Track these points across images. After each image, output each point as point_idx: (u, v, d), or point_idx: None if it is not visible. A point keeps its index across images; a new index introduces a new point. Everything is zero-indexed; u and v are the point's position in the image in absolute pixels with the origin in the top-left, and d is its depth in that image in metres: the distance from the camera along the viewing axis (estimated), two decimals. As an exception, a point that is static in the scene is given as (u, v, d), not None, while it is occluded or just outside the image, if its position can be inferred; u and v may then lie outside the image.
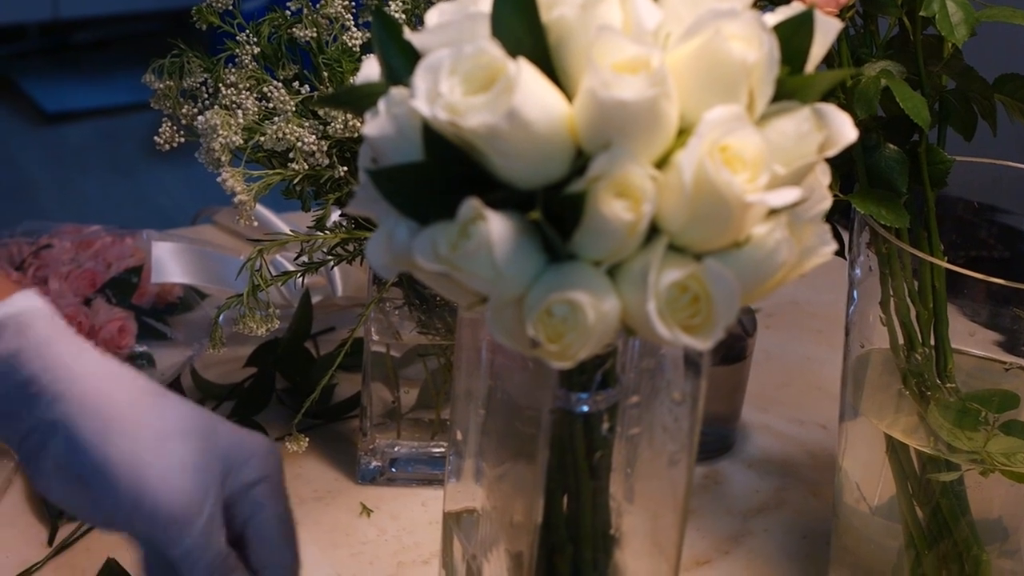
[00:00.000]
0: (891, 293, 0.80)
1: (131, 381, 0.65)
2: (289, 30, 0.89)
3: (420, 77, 0.54)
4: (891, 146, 0.79)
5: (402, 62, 0.58)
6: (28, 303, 0.64)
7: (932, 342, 0.80)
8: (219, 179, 0.82)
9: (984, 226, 0.89)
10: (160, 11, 3.41)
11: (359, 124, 0.82)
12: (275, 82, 0.86)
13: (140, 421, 0.63)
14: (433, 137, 0.54)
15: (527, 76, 0.52)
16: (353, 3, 0.90)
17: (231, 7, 0.89)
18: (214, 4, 0.88)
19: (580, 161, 0.54)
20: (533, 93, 0.52)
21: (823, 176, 0.58)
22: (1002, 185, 0.87)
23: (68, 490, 0.63)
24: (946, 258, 0.82)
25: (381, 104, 0.57)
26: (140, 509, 0.62)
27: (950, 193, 0.84)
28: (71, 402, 0.62)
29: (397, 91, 0.56)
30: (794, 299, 1.26)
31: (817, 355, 1.20)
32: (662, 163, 0.54)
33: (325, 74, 0.86)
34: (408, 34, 0.58)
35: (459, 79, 0.53)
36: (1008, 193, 0.88)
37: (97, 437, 0.62)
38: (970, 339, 0.80)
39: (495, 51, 0.53)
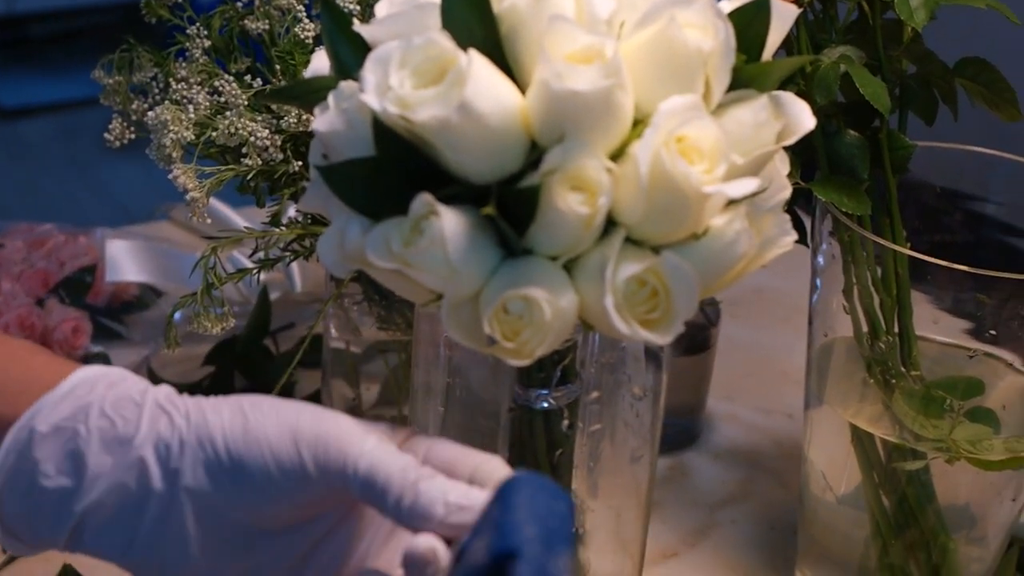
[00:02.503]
0: (854, 281, 0.79)
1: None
2: (241, 22, 0.88)
3: (369, 70, 0.53)
4: (852, 132, 0.78)
5: (352, 55, 0.57)
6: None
7: (896, 330, 0.79)
8: (170, 176, 0.80)
9: (947, 211, 0.88)
10: (117, 4, 3.38)
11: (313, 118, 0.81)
12: (227, 76, 0.84)
13: (255, 400, 0.58)
14: (384, 132, 0.53)
15: (479, 68, 0.51)
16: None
17: (181, 0, 0.87)
18: (163, -2, 0.87)
19: (534, 154, 0.53)
20: (485, 85, 0.51)
21: (782, 165, 0.58)
22: (965, 169, 0.87)
23: (219, 494, 0.57)
24: (909, 244, 0.81)
25: (331, 98, 0.55)
26: (309, 443, 0.55)
27: (913, 178, 0.84)
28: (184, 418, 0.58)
29: (347, 85, 0.55)
30: (758, 287, 1.26)
31: (782, 343, 1.19)
32: (618, 155, 0.53)
33: (278, 67, 0.85)
34: (358, 26, 0.57)
35: (409, 72, 0.52)
36: (971, 178, 0.87)
37: (229, 423, 0.57)
38: (934, 326, 0.79)
39: (446, 43, 0.52)
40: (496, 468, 0.56)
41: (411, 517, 0.54)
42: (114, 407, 0.57)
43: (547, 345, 0.53)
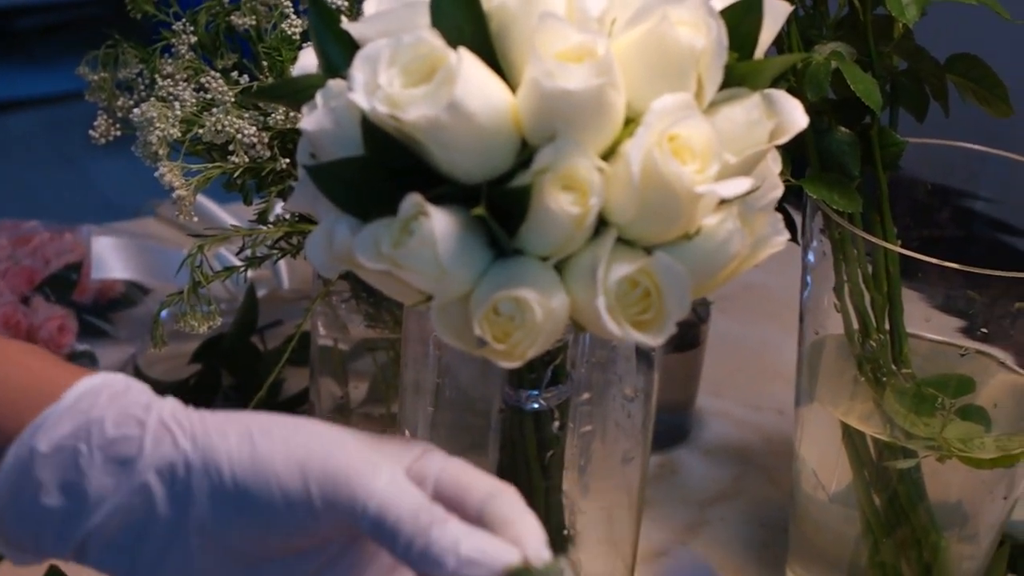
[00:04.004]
0: (845, 279, 0.79)
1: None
2: (227, 18, 0.87)
3: (358, 68, 0.52)
4: (842, 129, 0.78)
5: (340, 53, 0.56)
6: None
7: (887, 327, 0.79)
8: (157, 174, 0.79)
9: (938, 207, 0.88)
10: (101, -3, 3.36)
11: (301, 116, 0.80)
12: (213, 72, 0.83)
13: (265, 424, 0.57)
14: (372, 131, 0.52)
15: (468, 66, 0.51)
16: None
17: (166, -4, 0.87)
18: (148, -7, 0.86)
19: (525, 153, 0.52)
20: (475, 84, 0.51)
21: (774, 164, 0.57)
22: (955, 166, 0.86)
23: (223, 522, 0.55)
24: (899, 242, 0.81)
25: (319, 97, 0.55)
26: (317, 478, 0.54)
27: (903, 174, 0.83)
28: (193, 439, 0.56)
29: (335, 83, 0.54)
30: (747, 283, 1.25)
31: (772, 339, 1.19)
32: (609, 154, 0.53)
33: (265, 63, 0.84)
34: (346, 23, 0.56)
35: (398, 70, 0.52)
36: (962, 174, 0.87)
37: (236, 449, 0.55)
38: (925, 324, 0.79)
39: (435, 41, 0.52)
40: (509, 505, 0.54)
41: (421, 563, 0.52)
42: (116, 425, 0.56)
43: (538, 346, 0.53)
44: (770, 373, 1.14)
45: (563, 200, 0.51)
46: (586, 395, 0.62)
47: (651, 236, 0.53)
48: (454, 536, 0.52)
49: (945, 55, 0.80)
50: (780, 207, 0.80)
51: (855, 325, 0.79)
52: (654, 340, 0.53)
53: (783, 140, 0.54)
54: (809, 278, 0.82)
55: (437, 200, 0.52)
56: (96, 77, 0.87)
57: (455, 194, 0.52)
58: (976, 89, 0.79)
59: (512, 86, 0.53)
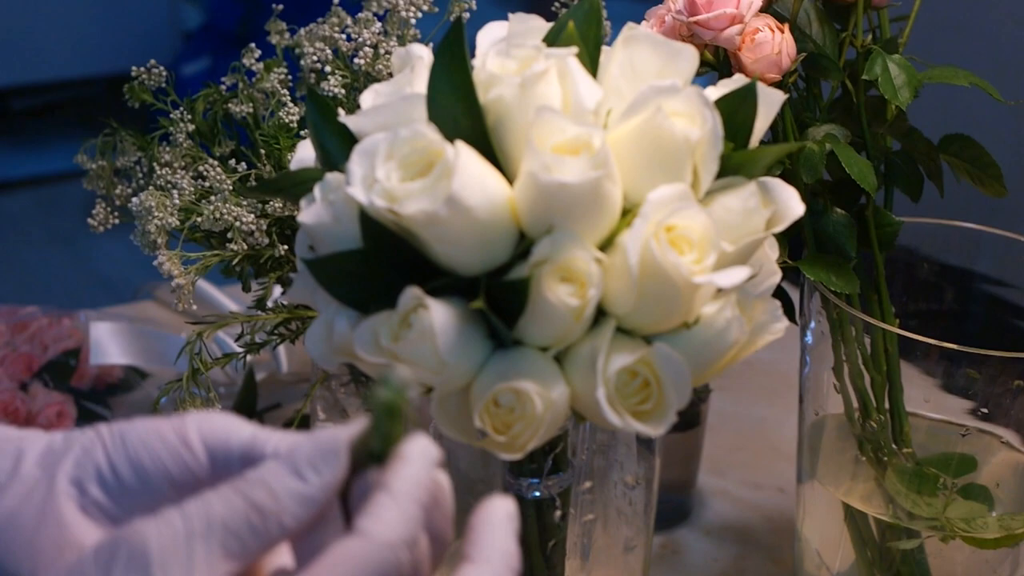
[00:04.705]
0: (844, 359, 0.79)
1: None
2: (225, 105, 0.87)
3: (355, 162, 0.52)
4: (838, 210, 0.78)
5: (338, 145, 0.57)
6: None
7: (887, 407, 0.79)
8: (155, 262, 0.80)
9: (936, 284, 0.88)
10: (98, 77, 3.38)
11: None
12: (211, 160, 0.84)
13: None
14: (371, 225, 0.52)
15: (465, 160, 0.51)
16: (290, 77, 0.88)
17: (163, 84, 0.87)
18: (146, 81, 0.86)
19: (523, 245, 0.53)
20: (472, 177, 0.51)
21: (771, 250, 0.57)
22: (952, 244, 0.87)
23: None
24: (898, 320, 0.81)
25: (317, 190, 0.55)
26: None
27: (901, 251, 0.84)
28: None
29: (333, 176, 0.55)
30: (747, 361, 1.24)
31: (772, 416, 1.18)
32: (607, 244, 0.53)
33: (262, 151, 0.84)
34: (343, 116, 0.56)
35: (396, 164, 0.52)
36: (959, 251, 0.87)
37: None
38: (926, 403, 0.79)
39: (432, 135, 0.52)
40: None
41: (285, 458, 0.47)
42: None
43: (539, 438, 0.52)
44: (771, 451, 1.13)
45: (562, 292, 0.51)
46: (587, 484, 0.61)
47: (650, 326, 0.53)
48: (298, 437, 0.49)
49: (941, 132, 0.80)
50: (778, 287, 0.81)
51: (855, 405, 0.79)
52: (655, 430, 0.53)
53: (780, 228, 0.54)
54: (808, 358, 0.82)
55: (436, 292, 0.52)
56: (94, 165, 0.88)
57: (454, 286, 0.52)
58: (970, 169, 0.80)
59: (509, 178, 0.53)
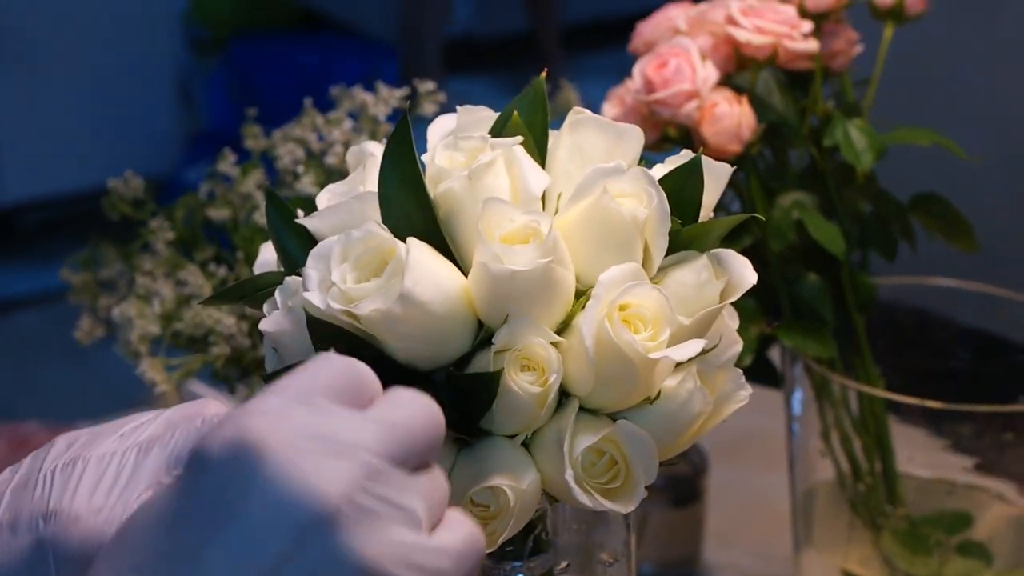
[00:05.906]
0: (831, 423, 0.79)
1: None
2: (203, 211, 0.88)
3: (311, 266, 0.53)
4: (812, 275, 0.78)
5: (298, 247, 0.57)
6: None
7: (877, 467, 0.78)
8: (138, 371, 0.80)
9: (918, 340, 0.88)
10: (104, 191, 3.41)
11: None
12: (191, 266, 0.85)
13: None
14: (321, 329, 0.52)
15: (417, 256, 0.51)
16: (267, 179, 0.89)
17: (142, 195, 0.88)
18: (124, 195, 0.88)
19: (483, 334, 0.53)
20: (425, 273, 0.51)
21: (731, 320, 0.57)
22: (931, 300, 0.87)
23: None
24: (883, 380, 0.81)
25: (277, 295, 0.55)
26: None
27: (883, 307, 0.84)
28: None
29: (292, 280, 0.55)
30: (747, 431, 1.24)
31: (777, 485, 1.17)
32: (564, 327, 0.53)
33: (240, 254, 0.85)
34: (301, 218, 0.57)
35: (350, 265, 0.52)
36: (939, 307, 0.87)
37: None
38: (915, 461, 0.79)
39: (384, 233, 0.52)
40: None
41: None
42: None
43: (511, 529, 0.53)
44: (777, 520, 1.12)
45: (522, 381, 0.51)
46: (564, 563, 0.61)
47: (613, 403, 0.54)
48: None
49: (924, 182, 0.80)
50: (763, 358, 0.81)
51: (845, 469, 0.79)
52: (624, 507, 0.53)
53: (734, 298, 0.54)
54: (795, 427, 0.82)
55: (398, 389, 0.52)
56: (78, 279, 0.89)
57: (416, 384, 0.53)
58: (942, 226, 0.80)
59: (464, 269, 0.54)
